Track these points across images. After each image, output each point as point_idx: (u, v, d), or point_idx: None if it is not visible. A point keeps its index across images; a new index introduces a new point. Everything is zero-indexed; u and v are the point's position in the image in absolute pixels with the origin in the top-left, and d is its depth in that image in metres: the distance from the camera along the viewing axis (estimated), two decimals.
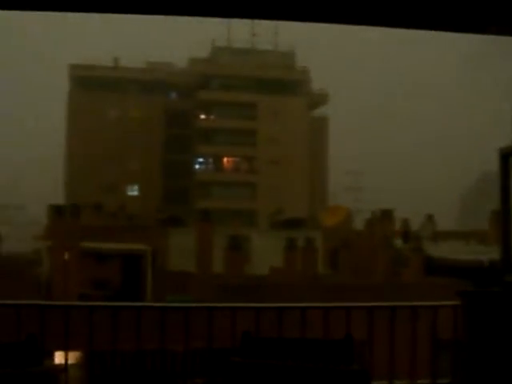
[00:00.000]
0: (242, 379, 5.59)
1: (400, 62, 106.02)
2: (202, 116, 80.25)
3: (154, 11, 4.52)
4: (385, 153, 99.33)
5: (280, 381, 5.52)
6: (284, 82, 78.89)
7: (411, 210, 48.38)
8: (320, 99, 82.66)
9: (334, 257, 38.99)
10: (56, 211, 34.50)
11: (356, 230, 44.06)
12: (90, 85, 76.25)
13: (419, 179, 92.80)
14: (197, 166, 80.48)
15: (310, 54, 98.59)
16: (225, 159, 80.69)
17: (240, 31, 78.14)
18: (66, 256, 31.53)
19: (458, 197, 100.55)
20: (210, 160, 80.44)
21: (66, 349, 7.30)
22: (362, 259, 37.00)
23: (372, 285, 30.60)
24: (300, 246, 36.05)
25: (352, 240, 38.46)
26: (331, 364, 5.59)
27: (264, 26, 75.41)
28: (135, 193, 77.97)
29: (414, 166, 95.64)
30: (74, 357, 19.21)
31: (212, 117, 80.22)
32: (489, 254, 30.63)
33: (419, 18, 4.98)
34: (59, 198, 62.38)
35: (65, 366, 7.39)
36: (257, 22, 73.20)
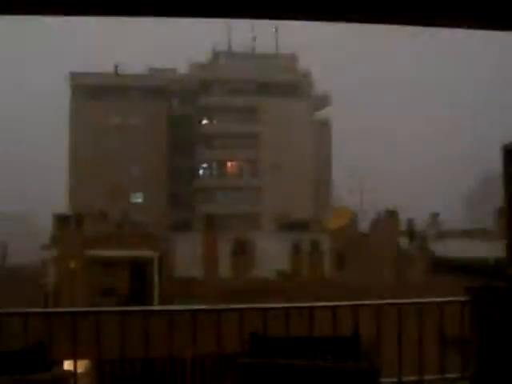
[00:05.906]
0: (251, 380, 5.57)
1: (402, 59, 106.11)
2: (205, 121, 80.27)
3: (151, 13, 4.53)
4: (388, 154, 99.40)
5: (289, 380, 5.50)
6: (286, 85, 78.80)
7: (416, 210, 48.35)
8: (322, 101, 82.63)
9: (340, 259, 38.94)
10: (61, 221, 34.52)
11: (362, 232, 43.98)
12: (91, 92, 76.28)
13: (423, 179, 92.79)
14: (200, 172, 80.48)
15: (312, 56, 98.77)
16: (228, 164, 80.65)
17: (240, 35, 78.26)
18: (73, 265, 31.54)
19: (463, 196, 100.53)
20: (214, 165, 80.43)
21: (74, 357, 7.28)
22: (369, 260, 36.96)
23: (379, 284, 30.54)
24: (306, 249, 36.02)
25: (358, 241, 38.40)
26: (339, 361, 5.58)
27: (264, 30, 75.46)
28: (139, 200, 77.88)
29: (418, 167, 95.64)
30: (82, 365, 19.22)
31: (214, 121, 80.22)
32: (494, 250, 30.57)
33: (427, 13, 4.94)
34: (64, 207, 62.46)
35: (74, 374, 7.37)
36: (257, 25, 73.14)
